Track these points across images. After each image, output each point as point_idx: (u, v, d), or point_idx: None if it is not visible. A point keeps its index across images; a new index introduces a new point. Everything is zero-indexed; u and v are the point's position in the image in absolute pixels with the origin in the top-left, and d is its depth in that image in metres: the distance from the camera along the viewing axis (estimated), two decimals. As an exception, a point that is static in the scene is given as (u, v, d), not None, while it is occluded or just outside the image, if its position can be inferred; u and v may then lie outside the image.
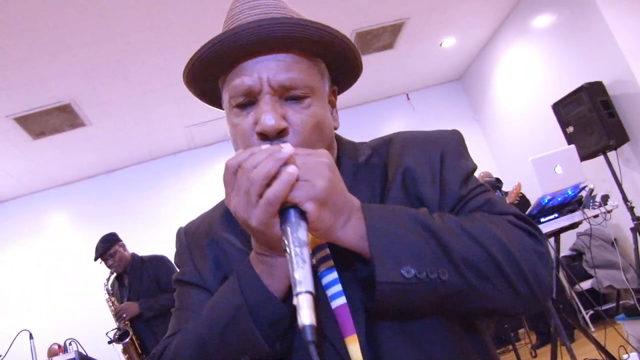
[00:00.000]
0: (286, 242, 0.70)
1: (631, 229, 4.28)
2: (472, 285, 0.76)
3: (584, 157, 4.41)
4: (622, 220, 4.54)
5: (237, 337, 0.79)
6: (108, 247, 4.08)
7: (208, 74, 0.90)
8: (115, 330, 3.94)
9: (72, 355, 3.08)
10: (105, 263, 4.11)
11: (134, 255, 4.22)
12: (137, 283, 4.11)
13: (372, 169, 0.95)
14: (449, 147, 0.96)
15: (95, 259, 4.10)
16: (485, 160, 6.50)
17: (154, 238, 4.71)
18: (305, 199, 0.71)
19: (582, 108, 4.63)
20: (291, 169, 0.70)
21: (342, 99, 1.01)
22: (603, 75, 4.69)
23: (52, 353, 4.12)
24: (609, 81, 4.67)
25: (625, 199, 4.34)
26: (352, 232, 0.76)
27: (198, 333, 0.84)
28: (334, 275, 0.82)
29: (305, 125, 0.84)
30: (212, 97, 0.98)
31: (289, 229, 0.71)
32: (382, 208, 0.81)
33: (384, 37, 5.44)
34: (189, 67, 0.89)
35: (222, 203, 1.03)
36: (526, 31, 5.73)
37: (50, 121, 4.83)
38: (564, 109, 4.81)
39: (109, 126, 5.34)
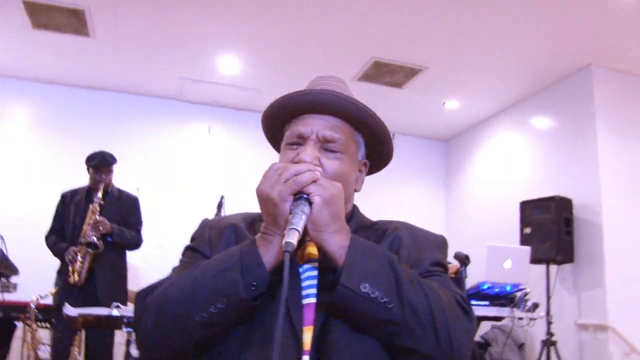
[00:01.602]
0: (293, 209, 0.96)
1: (542, 341, 4.49)
2: (406, 322, 0.94)
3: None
4: (536, 330, 4.75)
5: (224, 283, 0.97)
6: (112, 163, 4.10)
7: (279, 119, 1.21)
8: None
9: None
10: (96, 175, 4.04)
11: (112, 184, 4.23)
12: (109, 210, 4.06)
13: (373, 231, 1.19)
14: (435, 240, 1.21)
15: (94, 166, 4.03)
16: (437, 227, 6.65)
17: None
18: (316, 194, 0.97)
19: (546, 216, 4.82)
20: (318, 172, 1.01)
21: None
22: (575, 194, 4.90)
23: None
24: (578, 201, 4.89)
25: (547, 313, 4.54)
26: (337, 240, 0.99)
27: (192, 276, 1.02)
28: (314, 281, 1.06)
29: (332, 169, 1.12)
30: (274, 141, 1.29)
31: (299, 204, 0.97)
32: (369, 241, 1.04)
33: (398, 75, 5.52)
34: (268, 109, 1.22)
35: (247, 214, 1.27)
36: (522, 124, 5.93)
37: (57, 18, 4.68)
38: (529, 210, 4.99)
39: (108, 46, 5.21)
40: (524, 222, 5.01)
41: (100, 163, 4.05)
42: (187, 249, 1.21)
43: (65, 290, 3.88)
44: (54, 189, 4.34)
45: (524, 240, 4.91)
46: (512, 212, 5.22)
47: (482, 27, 4.58)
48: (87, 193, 4.13)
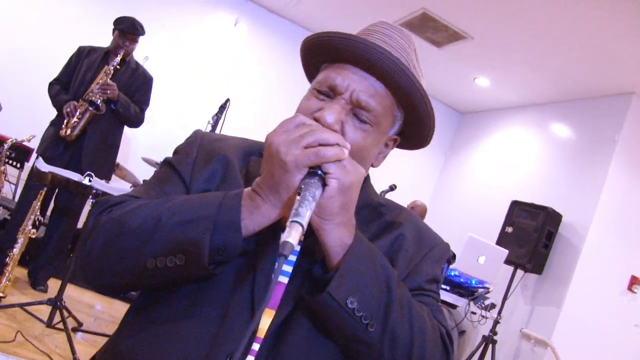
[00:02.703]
0: (303, 188, 0.79)
1: (484, 336, 4.55)
2: (381, 348, 0.85)
3: (500, 258, 4.60)
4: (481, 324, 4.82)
5: (188, 237, 0.83)
6: (140, 33, 3.93)
7: (319, 54, 1.00)
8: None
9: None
10: (120, 39, 3.86)
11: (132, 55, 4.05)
12: (121, 78, 3.89)
13: (377, 214, 1.06)
14: (438, 250, 1.08)
15: (122, 30, 3.84)
16: (423, 194, 6.60)
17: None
18: (335, 176, 0.80)
19: (531, 223, 4.78)
20: (346, 151, 0.82)
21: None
22: (568, 211, 4.85)
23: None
24: (567, 219, 4.84)
25: (499, 313, 4.58)
26: (339, 235, 0.84)
27: (159, 212, 0.87)
28: (292, 257, 0.91)
29: (353, 141, 0.92)
30: (310, 70, 1.08)
31: (311, 183, 0.80)
32: (371, 245, 0.90)
33: (441, 34, 5.28)
34: (313, 38, 0.99)
35: (245, 142, 1.10)
36: (540, 126, 5.81)
37: None
38: (517, 211, 4.95)
39: None
40: (507, 221, 4.98)
41: (129, 29, 3.86)
42: (166, 163, 1.05)
43: (53, 142, 3.79)
44: (63, 38, 4.12)
45: (503, 237, 4.89)
46: (500, 207, 5.17)
47: (541, 19, 4.35)
48: (105, 55, 3.95)
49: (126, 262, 0.86)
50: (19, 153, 4.31)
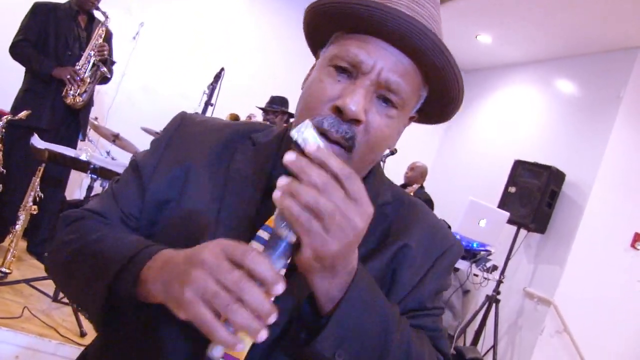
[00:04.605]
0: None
1: (487, 295, 4.60)
2: None
3: (502, 218, 4.61)
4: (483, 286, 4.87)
5: (90, 286, 0.79)
6: None
7: (332, 22, 0.85)
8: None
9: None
10: None
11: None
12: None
13: (381, 217, 0.91)
14: (450, 256, 0.96)
15: None
16: (426, 159, 6.56)
17: None
18: (310, 246, 0.64)
19: (534, 182, 4.75)
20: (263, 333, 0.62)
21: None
22: (571, 170, 4.81)
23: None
24: (571, 178, 4.81)
25: (502, 272, 4.62)
26: (327, 288, 0.71)
27: (83, 252, 0.83)
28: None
29: (377, 130, 0.82)
30: (315, 38, 0.93)
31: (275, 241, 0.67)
32: (369, 285, 0.76)
33: (442, -9, 5.16)
34: (325, 3, 0.83)
35: (227, 129, 0.98)
36: (544, 83, 5.72)
37: None
38: (520, 171, 4.91)
39: None
40: (510, 181, 4.95)
41: None
42: (131, 165, 0.97)
43: (48, 111, 3.61)
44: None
45: (505, 198, 4.88)
46: (503, 167, 5.14)
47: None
48: (72, 12, 3.75)
49: (81, 292, 0.84)
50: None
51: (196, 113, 1.06)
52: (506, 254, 4.68)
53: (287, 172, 0.64)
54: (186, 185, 0.89)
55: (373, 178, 0.95)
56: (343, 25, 0.84)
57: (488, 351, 4.61)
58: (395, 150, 4.15)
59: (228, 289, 0.61)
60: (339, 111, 0.78)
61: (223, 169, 0.91)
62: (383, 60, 0.79)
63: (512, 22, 5.33)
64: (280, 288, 0.62)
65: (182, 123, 0.98)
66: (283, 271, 0.70)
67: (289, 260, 0.68)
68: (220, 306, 0.61)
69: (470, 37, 6.02)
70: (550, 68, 5.70)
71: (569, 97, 5.39)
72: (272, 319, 0.62)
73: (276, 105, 4.73)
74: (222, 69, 3.72)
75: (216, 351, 0.63)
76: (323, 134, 0.78)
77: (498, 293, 4.56)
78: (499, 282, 4.57)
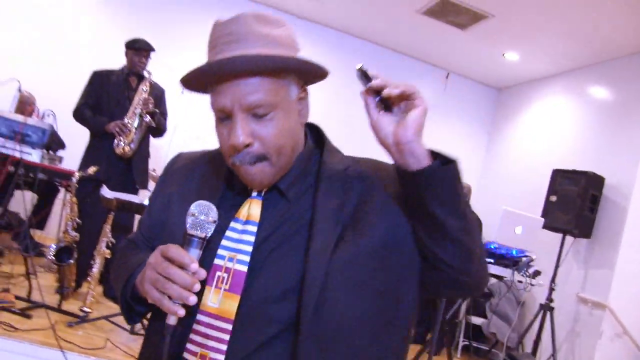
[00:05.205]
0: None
1: (541, 304, 4.66)
2: (465, 222, 0.98)
3: (547, 226, 4.72)
4: (539, 292, 4.91)
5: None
6: (153, 49, 4.23)
7: (198, 82, 1.05)
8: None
9: (46, 127, 3.20)
10: (138, 57, 4.17)
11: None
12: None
13: (348, 179, 1.09)
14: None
15: (137, 48, 4.17)
16: (474, 174, 6.73)
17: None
18: (421, 103, 0.94)
19: (573, 188, 4.82)
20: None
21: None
22: (610, 173, 4.87)
23: (25, 102, 4.21)
24: (610, 181, 4.86)
25: (553, 280, 4.68)
26: (423, 149, 0.96)
27: (115, 267, 1.24)
28: (249, 247, 1.02)
29: (269, 137, 1.01)
30: (199, 91, 1.12)
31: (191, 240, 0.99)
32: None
33: (463, 17, 5.40)
34: (184, 80, 1.05)
35: (210, 150, 1.24)
36: (575, 92, 5.82)
37: None
38: (559, 179, 4.99)
39: None
40: (551, 190, 5.03)
41: (143, 46, 4.17)
42: (145, 207, 1.36)
43: (106, 162, 3.99)
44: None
45: (548, 207, 4.95)
46: (544, 178, 5.23)
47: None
48: (125, 75, 4.24)
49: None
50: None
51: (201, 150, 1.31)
52: (555, 263, 4.74)
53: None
54: (170, 207, 1.15)
55: (324, 156, 1.13)
56: (206, 80, 1.04)
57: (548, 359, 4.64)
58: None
59: (162, 275, 0.95)
60: (235, 148, 1.01)
61: (194, 184, 1.16)
62: (238, 94, 0.99)
63: (535, 37, 5.50)
64: (194, 266, 0.94)
65: (174, 161, 1.27)
66: (197, 257, 0.98)
67: (201, 251, 0.99)
68: (161, 287, 0.95)
69: (499, 57, 6.21)
70: (580, 76, 5.80)
71: (600, 102, 5.47)
72: (197, 287, 0.93)
73: None
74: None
75: (171, 320, 0.95)
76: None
77: (551, 301, 4.61)
78: (551, 289, 4.63)
